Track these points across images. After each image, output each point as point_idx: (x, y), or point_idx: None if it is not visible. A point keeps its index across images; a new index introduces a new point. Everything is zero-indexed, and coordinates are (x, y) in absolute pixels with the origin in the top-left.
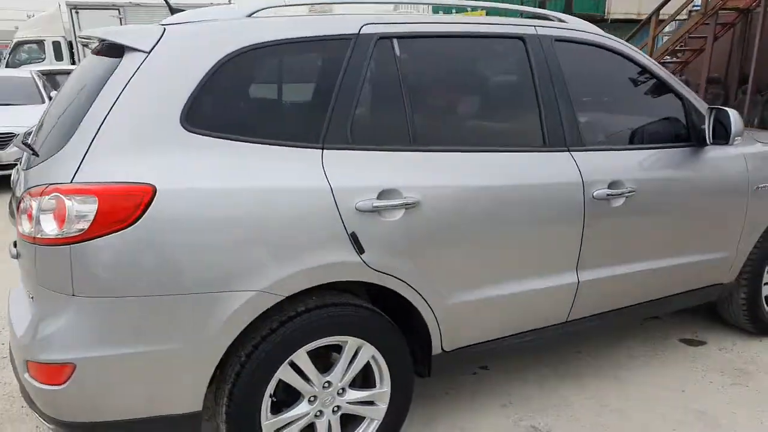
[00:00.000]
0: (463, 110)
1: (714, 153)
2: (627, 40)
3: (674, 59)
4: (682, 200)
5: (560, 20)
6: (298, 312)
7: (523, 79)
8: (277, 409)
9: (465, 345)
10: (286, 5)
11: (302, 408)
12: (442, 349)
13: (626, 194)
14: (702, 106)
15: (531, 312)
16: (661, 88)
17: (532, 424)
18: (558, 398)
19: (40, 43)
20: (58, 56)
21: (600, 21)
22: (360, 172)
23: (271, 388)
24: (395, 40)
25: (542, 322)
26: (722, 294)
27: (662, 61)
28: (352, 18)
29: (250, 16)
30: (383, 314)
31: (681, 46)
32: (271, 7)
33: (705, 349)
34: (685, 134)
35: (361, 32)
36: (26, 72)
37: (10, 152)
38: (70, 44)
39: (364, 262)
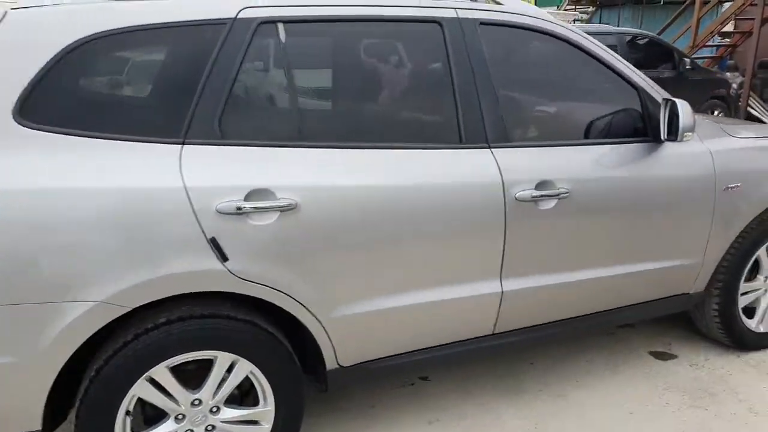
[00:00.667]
0: (361, 103)
1: (675, 149)
2: (670, 23)
3: (722, 42)
4: (633, 203)
5: (495, 1)
6: (157, 324)
7: (437, 68)
8: (146, 424)
9: (370, 359)
10: None
11: (168, 427)
12: (338, 364)
13: (558, 196)
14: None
15: (447, 323)
16: (611, 77)
17: None
18: (492, 417)
19: None
20: None
21: (652, 3)
22: (225, 170)
23: (126, 406)
24: (281, 25)
25: (463, 334)
26: (689, 304)
27: (706, 44)
28: (210, 4)
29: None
30: (261, 326)
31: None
32: None
33: (674, 364)
34: (641, 128)
35: (238, 16)
36: None
37: None
38: None
39: (229, 271)
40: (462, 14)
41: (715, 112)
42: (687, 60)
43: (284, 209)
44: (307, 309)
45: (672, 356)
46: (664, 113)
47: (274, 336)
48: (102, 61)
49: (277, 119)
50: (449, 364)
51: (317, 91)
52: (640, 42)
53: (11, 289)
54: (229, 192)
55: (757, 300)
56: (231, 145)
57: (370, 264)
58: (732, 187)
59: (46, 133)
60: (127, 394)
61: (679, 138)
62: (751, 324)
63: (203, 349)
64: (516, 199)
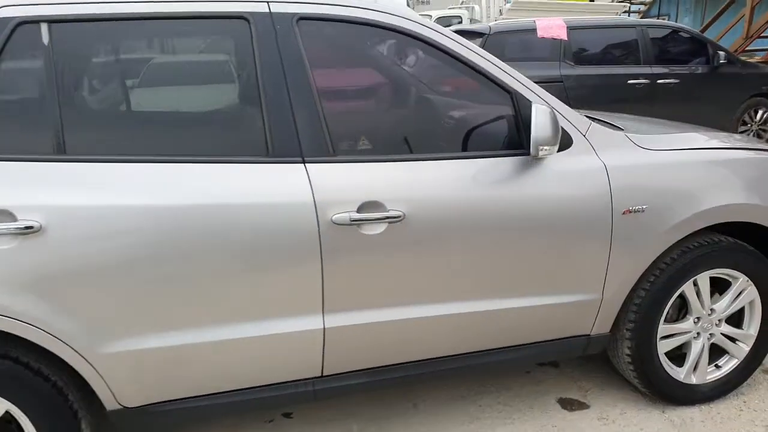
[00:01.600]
0: (141, 113)
1: (558, 164)
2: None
3: None
4: (498, 228)
5: None
6: None
7: (240, 70)
8: None
9: (167, 399)
10: None
11: None
12: (120, 404)
13: (389, 219)
14: (557, 105)
15: (258, 362)
16: (477, 78)
17: None
18: None
19: None
20: None
21: None
22: None
23: None
24: (45, 25)
25: (283, 375)
26: (594, 348)
27: (762, 35)
28: None
29: None
30: (23, 362)
31: None
32: None
33: (580, 415)
34: (516, 139)
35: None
36: None
37: None
38: None
39: None
40: (276, 8)
41: (760, 113)
42: (722, 53)
43: (25, 232)
44: (67, 344)
45: (583, 406)
46: (536, 121)
47: (38, 374)
48: None
49: (29, 131)
50: (271, 407)
51: (92, 101)
52: (668, 34)
53: None
54: None
55: (687, 345)
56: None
57: (145, 295)
58: (634, 210)
59: None
60: None
61: (532, 152)
62: (679, 373)
63: None
64: (333, 222)
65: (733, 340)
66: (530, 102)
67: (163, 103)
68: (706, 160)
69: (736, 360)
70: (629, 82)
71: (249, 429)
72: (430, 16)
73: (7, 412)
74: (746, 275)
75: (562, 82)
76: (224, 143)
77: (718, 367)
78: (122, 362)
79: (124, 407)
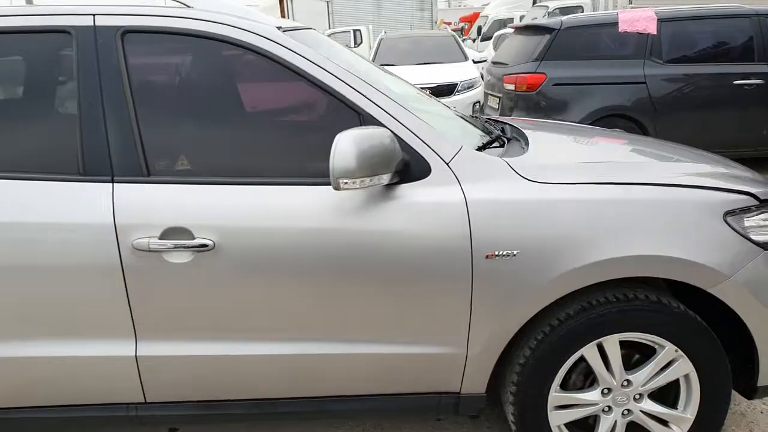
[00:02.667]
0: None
1: (410, 197)
2: None
3: None
4: (328, 266)
5: (185, 5)
6: None
7: (59, 85)
8: None
9: None
10: None
11: None
12: None
13: (196, 248)
14: (415, 128)
15: (75, 381)
16: (321, 98)
17: None
18: None
19: None
20: None
21: None
22: None
23: None
24: None
25: (106, 398)
26: (470, 409)
27: None
28: None
29: None
30: None
31: None
32: None
33: None
34: None
35: None
36: None
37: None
38: None
39: None
40: (101, 21)
41: None
42: None
43: None
44: None
45: None
46: (334, 150)
47: None
48: None
49: None
50: (97, 426)
51: None
52: None
53: None
54: None
55: (596, 419)
56: None
57: None
58: (501, 255)
59: None
60: None
61: (333, 185)
62: None
63: None
64: (133, 247)
65: (663, 422)
66: (417, 128)
67: None
68: (615, 199)
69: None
70: (736, 82)
71: None
72: (547, 6)
73: None
74: (674, 344)
75: (644, 83)
76: (40, 160)
77: None
78: None
79: None
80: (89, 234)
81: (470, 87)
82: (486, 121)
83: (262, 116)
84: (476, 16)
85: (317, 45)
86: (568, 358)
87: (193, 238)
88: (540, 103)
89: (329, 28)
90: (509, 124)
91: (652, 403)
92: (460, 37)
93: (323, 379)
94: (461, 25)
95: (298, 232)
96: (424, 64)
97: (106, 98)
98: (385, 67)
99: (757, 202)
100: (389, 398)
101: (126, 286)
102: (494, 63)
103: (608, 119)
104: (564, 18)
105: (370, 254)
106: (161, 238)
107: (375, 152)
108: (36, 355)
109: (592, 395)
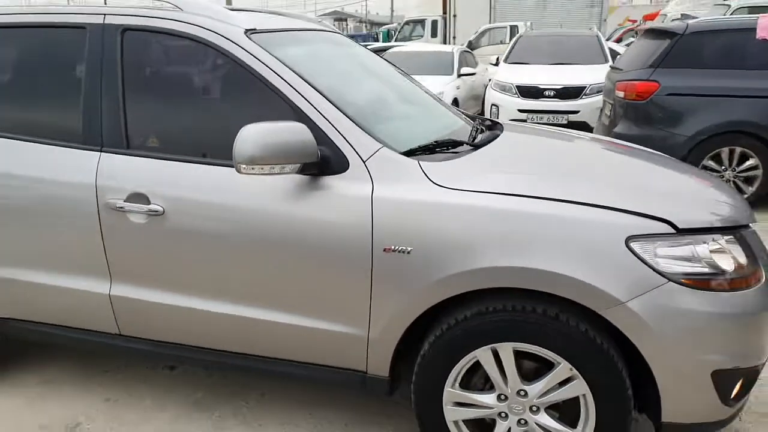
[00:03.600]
0: (13, 100)
1: (326, 187)
2: None
3: None
4: (253, 238)
5: (177, 7)
6: None
7: (74, 71)
8: None
9: (3, 317)
10: None
11: None
12: None
13: (149, 212)
14: (340, 124)
15: (67, 307)
16: (264, 94)
17: None
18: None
19: (422, 21)
20: (434, 33)
21: None
22: None
23: None
24: None
25: (88, 324)
26: (377, 389)
27: None
28: None
29: None
30: None
31: None
32: None
33: None
34: None
35: None
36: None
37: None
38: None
39: None
40: (109, 20)
41: None
42: None
43: None
44: None
45: None
46: (238, 138)
47: None
48: None
49: None
50: (81, 347)
51: None
52: None
53: None
54: None
55: (494, 423)
56: None
57: None
58: (397, 250)
59: None
60: None
61: (236, 169)
62: None
63: None
64: (107, 206)
65: None
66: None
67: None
68: (513, 210)
69: None
70: None
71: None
72: (728, 6)
73: None
74: (568, 361)
75: None
76: (53, 129)
77: None
78: None
79: None
80: (80, 190)
81: (600, 91)
82: (478, 122)
83: (217, 106)
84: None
85: (297, 46)
86: (462, 357)
87: (148, 204)
88: (650, 113)
89: (489, 23)
90: (492, 125)
91: (548, 418)
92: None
93: (254, 339)
94: (642, 23)
95: (231, 208)
96: (558, 64)
97: (104, 83)
98: (465, 68)
99: (673, 231)
100: (309, 367)
101: (102, 236)
102: (612, 68)
103: (728, 136)
104: (691, 21)
105: (288, 234)
106: (126, 200)
107: (276, 145)
108: (35, 281)
109: (488, 398)
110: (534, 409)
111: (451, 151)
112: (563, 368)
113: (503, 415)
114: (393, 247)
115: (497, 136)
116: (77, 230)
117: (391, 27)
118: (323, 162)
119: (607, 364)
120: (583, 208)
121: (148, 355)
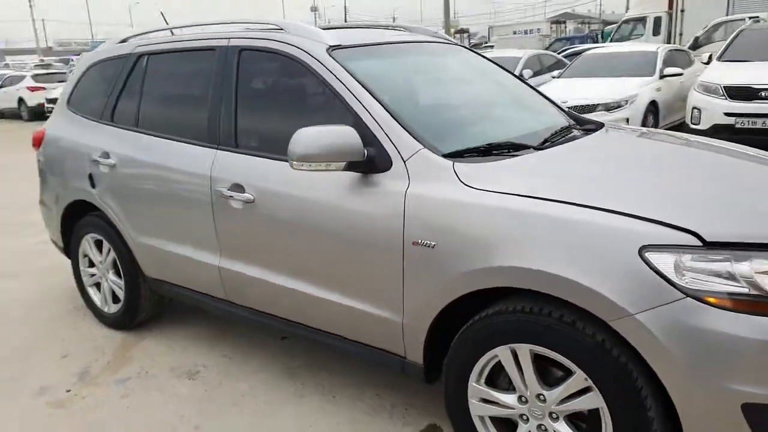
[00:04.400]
0: (169, 106)
1: (374, 184)
2: None
3: None
4: (320, 228)
5: (278, 29)
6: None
7: (207, 84)
8: None
9: (159, 278)
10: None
11: None
12: (145, 273)
13: (244, 200)
14: (388, 127)
15: (194, 274)
16: (333, 101)
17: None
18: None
19: (642, 19)
20: (656, 31)
21: None
22: (96, 139)
23: None
24: (147, 57)
25: (205, 288)
26: (414, 374)
27: None
28: (129, 44)
29: (121, 42)
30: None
31: None
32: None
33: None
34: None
35: (133, 51)
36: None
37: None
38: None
39: (94, 194)
40: (232, 42)
41: None
42: None
43: (111, 166)
44: (121, 228)
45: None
46: (292, 140)
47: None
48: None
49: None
50: (197, 306)
51: (158, 99)
52: None
53: None
54: (95, 151)
55: (517, 425)
56: (99, 123)
57: (145, 210)
58: (423, 244)
59: (72, 113)
60: None
61: (290, 165)
62: None
63: None
64: (217, 193)
65: None
66: (367, 126)
67: (176, 103)
68: (533, 212)
69: None
70: None
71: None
72: None
73: None
74: (583, 370)
75: None
76: (193, 131)
77: None
78: (141, 249)
79: (148, 275)
80: (200, 180)
81: None
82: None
83: (298, 111)
84: None
85: (377, 58)
86: (484, 353)
87: (244, 192)
88: None
89: (726, 15)
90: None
91: (567, 427)
92: None
93: (313, 313)
94: None
95: (300, 199)
96: None
97: (224, 94)
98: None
99: (699, 244)
100: (359, 345)
101: (213, 218)
102: None
103: None
104: None
105: (339, 224)
106: (229, 189)
107: (323, 147)
108: (174, 251)
109: (508, 398)
110: (554, 416)
111: (504, 153)
112: (578, 377)
113: (524, 417)
114: (419, 241)
115: (576, 138)
116: (199, 211)
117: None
118: (369, 161)
119: (624, 380)
120: (600, 213)
121: (242, 319)
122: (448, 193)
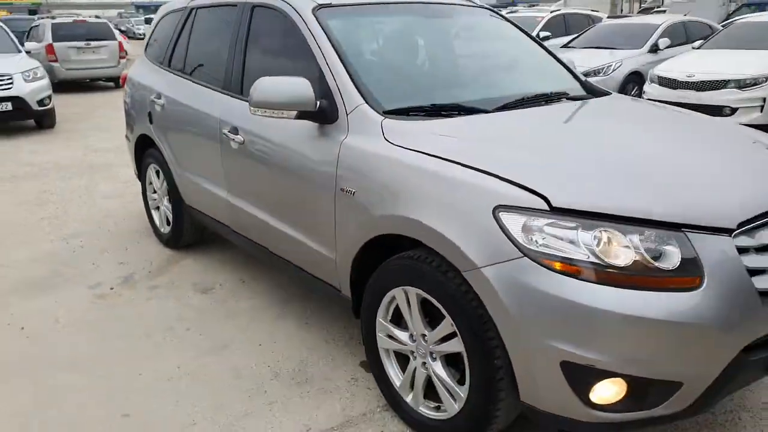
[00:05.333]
0: (203, 55)
1: (322, 134)
2: None
3: None
4: (283, 170)
5: None
6: None
7: (227, 36)
8: None
9: (193, 206)
10: None
11: None
12: (185, 201)
13: (237, 141)
14: (341, 82)
15: (213, 205)
16: (308, 55)
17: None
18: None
19: None
20: None
21: None
22: (156, 82)
23: None
24: (196, 10)
25: (220, 218)
26: (345, 303)
27: None
28: None
29: None
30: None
31: None
32: None
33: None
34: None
35: (188, 5)
36: None
37: None
38: None
39: (152, 129)
40: (250, 0)
41: None
42: None
43: (161, 105)
44: (167, 159)
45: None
46: (252, 88)
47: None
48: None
49: (179, 56)
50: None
51: (202, 46)
52: None
53: None
54: (153, 93)
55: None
56: (162, 69)
57: (180, 144)
58: (347, 191)
59: (151, 63)
60: None
61: (250, 110)
62: (396, 380)
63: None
64: (221, 132)
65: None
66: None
67: (198, 50)
68: (421, 168)
69: (448, 414)
70: None
71: None
72: None
73: None
74: (450, 317)
75: None
76: (214, 77)
77: (439, 409)
78: (181, 179)
79: (186, 203)
80: (213, 121)
81: None
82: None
83: (284, 64)
84: None
85: (362, 16)
86: (385, 293)
87: (237, 134)
88: None
89: None
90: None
91: (441, 368)
92: None
93: (277, 243)
94: None
95: (272, 142)
96: None
97: (237, 46)
98: None
99: (547, 208)
100: (307, 274)
101: (221, 155)
102: None
103: None
104: None
105: (300, 167)
106: (229, 131)
107: (278, 95)
108: (202, 185)
109: (402, 335)
110: (433, 356)
111: (453, 114)
112: (447, 322)
113: (414, 355)
114: (345, 188)
115: (545, 105)
116: (213, 149)
117: None
118: (321, 112)
119: (477, 328)
120: (472, 172)
121: (243, 246)
122: (370, 146)
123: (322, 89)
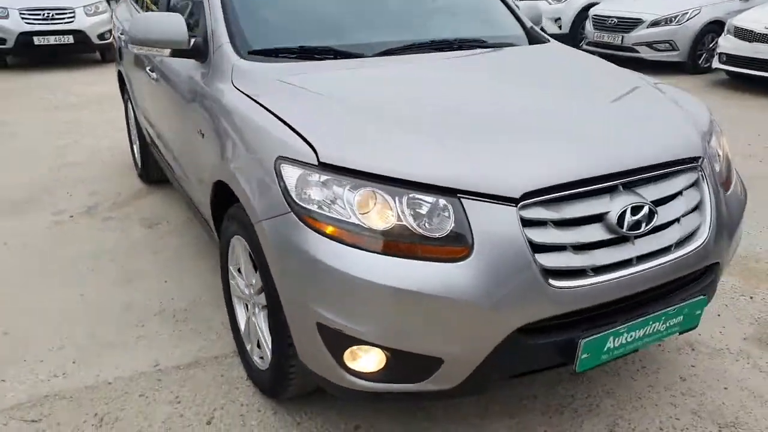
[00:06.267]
0: None
1: (200, 71)
2: None
3: None
4: (174, 105)
5: None
6: None
7: None
8: None
9: (150, 144)
10: None
11: None
12: (146, 139)
13: (153, 78)
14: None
15: (155, 142)
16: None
17: None
18: None
19: None
20: None
21: None
22: (123, 19)
23: None
24: None
25: (161, 160)
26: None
27: None
28: None
29: None
30: None
31: None
32: None
33: None
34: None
35: None
36: None
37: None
38: None
39: (122, 65)
40: None
41: None
42: None
43: (124, 41)
44: (132, 98)
45: None
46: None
47: None
48: None
49: None
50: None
51: None
52: None
53: None
54: (119, 30)
55: None
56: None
57: (135, 80)
58: (200, 133)
59: None
60: None
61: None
62: (240, 323)
63: None
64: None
65: None
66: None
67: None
68: (246, 117)
69: (264, 365)
70: None
71: None
72: None
73: None
74: (257, 270)
75: None
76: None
77: (263, 359)
78: (140, 116)
79: (148, 141)
80: (147, 61)
81: None
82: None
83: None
84: None
85: None
86: (228, 241)
87: (153, 71)
88: None
89: None
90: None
91: (262, 320)
92: None
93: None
94: None
95: (182, 76)
96: None
97: None
98: None
99: (316, 163)
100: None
101: (151, 91)
102: None
103: None
104: None
105: (178, 102)
106: (151, 70)
107: (151, 32)
108: (148, 120)
109: (241, 283)
110: (258, 307)
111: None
112: (257, 275)
113: (248, 304)
114: (200, 130)
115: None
116: (146, 84)
117: None
118: (195, 49)
119: (270, 284)
120: (271, 120)
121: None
122: (218, 89)
123: (200, 27)
